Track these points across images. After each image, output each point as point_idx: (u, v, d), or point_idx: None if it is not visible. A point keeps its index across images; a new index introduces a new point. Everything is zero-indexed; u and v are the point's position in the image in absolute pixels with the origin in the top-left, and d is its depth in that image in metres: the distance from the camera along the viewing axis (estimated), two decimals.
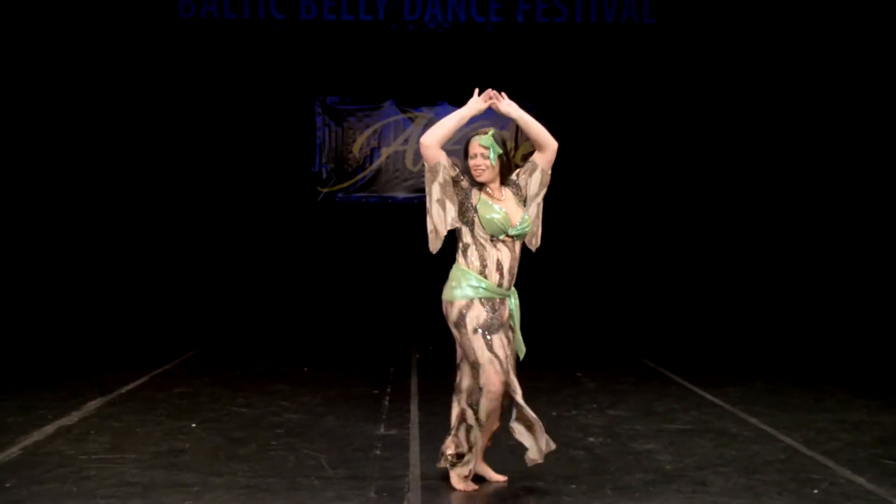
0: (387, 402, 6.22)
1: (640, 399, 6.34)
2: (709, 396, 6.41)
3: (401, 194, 13.10)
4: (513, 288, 4.14)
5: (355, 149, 13.10)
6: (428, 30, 12.69)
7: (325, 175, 13.14)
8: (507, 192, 4.14)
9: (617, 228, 12.81)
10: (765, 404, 6.14)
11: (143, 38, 12.21)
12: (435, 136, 3.99)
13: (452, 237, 4.17)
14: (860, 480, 4.37)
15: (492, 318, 4.02)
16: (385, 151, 13.09)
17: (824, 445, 5.04)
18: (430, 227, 4.09)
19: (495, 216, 4.01)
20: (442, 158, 4.01)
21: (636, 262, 12.71)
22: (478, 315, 4.00)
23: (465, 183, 4.07)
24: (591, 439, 5.18)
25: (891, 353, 8.36)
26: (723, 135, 12.43)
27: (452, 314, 4.03)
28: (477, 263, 4.04)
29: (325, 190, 13.15)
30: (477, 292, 4.02)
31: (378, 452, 4.87)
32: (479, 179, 4.06)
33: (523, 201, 4.15)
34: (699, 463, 4.68)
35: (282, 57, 12.62)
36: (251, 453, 4.81)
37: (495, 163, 4.04)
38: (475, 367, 4.00)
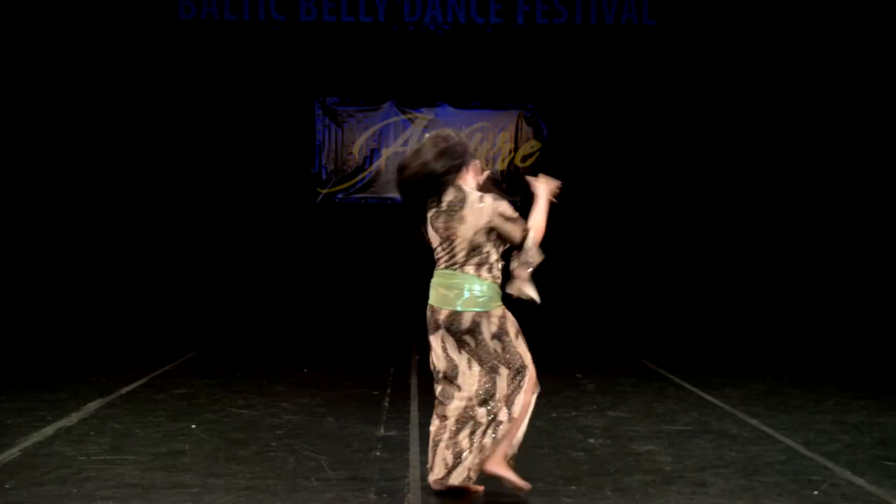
0: (386, 404, 6.22)
1: (639, 400, 6.34)
2: (709, 398, 6.40)
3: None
4: None
5: (355, 150, 13.11)
6: (428, 31, 12.69)
7: (324, 176, 13.15)
8: None
9: (617, 229, 12.81)
10: (765, 405, 6.14)
11: (142, 40, 12.23)
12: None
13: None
14: (860, 482, 4.37)
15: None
16: (385, 152, 13.09)
17: (824, 447, 5.04)
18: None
19: None
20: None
21: (636, 263, 12.70)
22: (514, 321, 4.07)
23: None
24: (591, 440, 5.18)
25: (891, 354, 8.36)
26: (722, 136, 12.44)
27: (491, 326, 3.98)
28: (501, 277, 4.06)
29: (324, 191, 13.15)
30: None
31: (378, 454, 4.87)
32: None
33: None
34: (699, 464, 4.68)
35: (282, 58, 12.64)
36: (251, 455, 4.81)
37: None
38: (521, 370, 3.99)
